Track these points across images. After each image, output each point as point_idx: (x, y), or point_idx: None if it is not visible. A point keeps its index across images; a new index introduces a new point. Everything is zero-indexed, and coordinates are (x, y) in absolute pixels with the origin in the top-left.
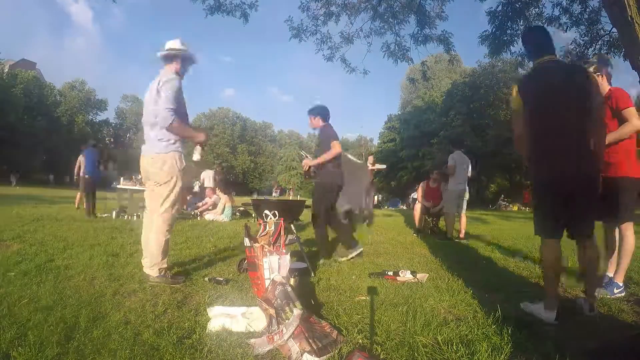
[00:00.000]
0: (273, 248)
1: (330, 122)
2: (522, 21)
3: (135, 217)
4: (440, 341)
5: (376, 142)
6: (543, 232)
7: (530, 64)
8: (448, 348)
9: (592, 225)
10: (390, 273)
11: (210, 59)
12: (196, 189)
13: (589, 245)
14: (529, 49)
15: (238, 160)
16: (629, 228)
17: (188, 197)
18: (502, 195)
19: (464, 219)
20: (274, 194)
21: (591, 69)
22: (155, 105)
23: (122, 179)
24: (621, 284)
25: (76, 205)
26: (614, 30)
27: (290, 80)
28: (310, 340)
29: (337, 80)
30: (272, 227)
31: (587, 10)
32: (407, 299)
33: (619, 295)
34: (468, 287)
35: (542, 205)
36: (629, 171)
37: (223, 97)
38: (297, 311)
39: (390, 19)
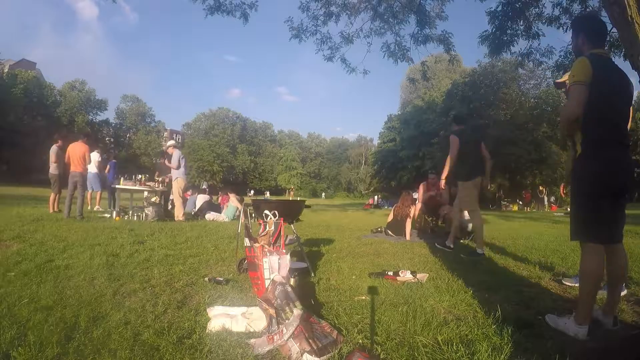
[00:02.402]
0: (273, 248)
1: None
2: (522, 21)
3: (135, 217)
4: (440, 341)
5: (376, 142)
6: (587, 235)
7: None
8: (448, 348)
9: (622, 231)
10: (390, 273)
11: (215, 59)
12: (204, 186)
13: (621, 251)
14: (592, 34)
15: (238, 160)
16: None
17: (188, 196)
18: (502, 195)
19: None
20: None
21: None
22: None
23: (122, 179)
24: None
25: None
26: (614, 30)
27: (293, 80)
28: (310, 340)
29: (339, 79)
30: (272, 227)
31: (587, 10)
32: (407, 299)
33: (622, 294)
34: (468, 287)
35: (592, 203)
36: None
37: (228, 97)
38: (297, 311)
39: (390, 19)
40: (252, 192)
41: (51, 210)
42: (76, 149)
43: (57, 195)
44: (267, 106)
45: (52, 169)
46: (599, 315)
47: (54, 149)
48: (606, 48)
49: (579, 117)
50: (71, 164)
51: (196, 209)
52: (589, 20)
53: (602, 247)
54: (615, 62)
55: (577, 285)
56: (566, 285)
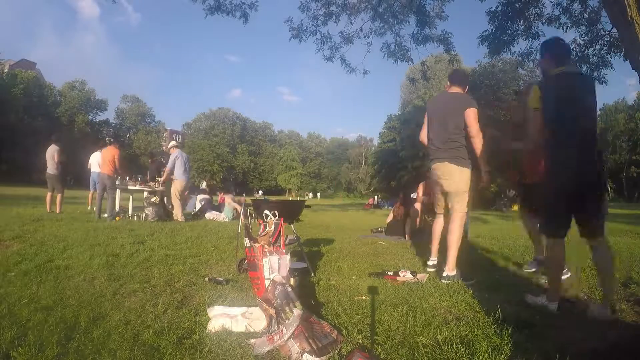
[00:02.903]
0: (273, 248)
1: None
2: (522, 21)
3: (135, 217)
4: (440, 341)
5: (376, 142)
6: (550, 229)
7: (530, 65)
8: (448, 348)
9: (603, 226)
10: (390, 273)
11: (216, 59)
12: (204, 186)
13: (601, 246)
14: (557, 55)
15: (238, 160)
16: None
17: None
18: (502, 195)
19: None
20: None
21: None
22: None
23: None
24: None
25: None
26: (614, 30)
27: (295, 80)
28: (310, 340)
29: (340, 79)
30: (272, 227)
31: (587, 10)
32: (407, 299)
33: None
34: (468, 287)
35: (553, 202)
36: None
37: (229, 97)
38: (297, 311)
39: (390, 19)
40: (260, 192)
41: (49, 210)
42: (108, 152)
43: (60, 195)
44: (268, 106)
45: (54, 169)
46: (598, 308)
47: (56, 150)
48: (571, 63)
49: (536, 139)
50: (102, 166)
51: (196, 209)
52: (552, 43)
53: (563, 239)
54: (615, 60)
55: (533, 270)
56: (528, 271)
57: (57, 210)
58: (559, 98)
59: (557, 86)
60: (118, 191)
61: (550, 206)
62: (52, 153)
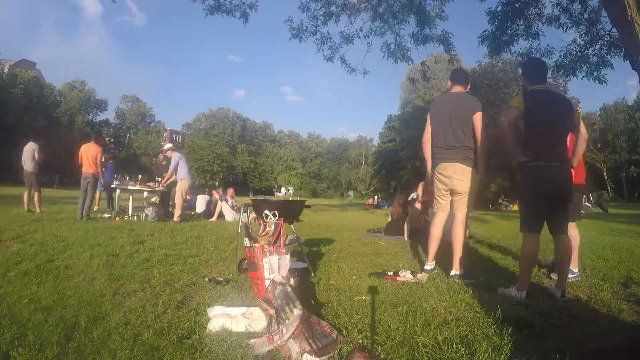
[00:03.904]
0: (273, 248)
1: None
2: (522, 21)
3: (135, 217)
4: (440, 341)
5: (376, 142)
6: (525, 227)
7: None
8: (448, 348)
9: (567, 224)
10: (390, 273)
11: (218, 59)
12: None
13: (565, 240)
14: (531, 74)
15: (238, 160)
16: (574, 226)
17: (188, 197)
18: (502, 195)
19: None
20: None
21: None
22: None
23: (120, 179)
24: (576, 270)
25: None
26: (614, 30)
27: (298, 80)
28: (310, 340)
29: (341, 79)
30: (272, 227)
31: (587, 10)
32: (407, 299)
33: (576, 279)
34: (468, 287)
35: (526, 205)
36: (579, 179)
37: (232, 97)
38: (297, 311)
39: (390, 19)
40: (283, 190)
41: (27, 209)
42: (89, 149)
43: (38, 194)
44: (271, 107)
45: (33, 167)
46: (552, 290)
47: (36, 147)
48: (549, 79)
49: (505, 128)
50: (83, 164)
51: (196, 210)
52: (529, 63)
53: (537, 236)
54: (615, 60)
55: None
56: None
57: (37, 210)
58: (532, 108)
59: (533, 98)
60: (118, 191)
61: (527, 207)
62: (31, 151)
